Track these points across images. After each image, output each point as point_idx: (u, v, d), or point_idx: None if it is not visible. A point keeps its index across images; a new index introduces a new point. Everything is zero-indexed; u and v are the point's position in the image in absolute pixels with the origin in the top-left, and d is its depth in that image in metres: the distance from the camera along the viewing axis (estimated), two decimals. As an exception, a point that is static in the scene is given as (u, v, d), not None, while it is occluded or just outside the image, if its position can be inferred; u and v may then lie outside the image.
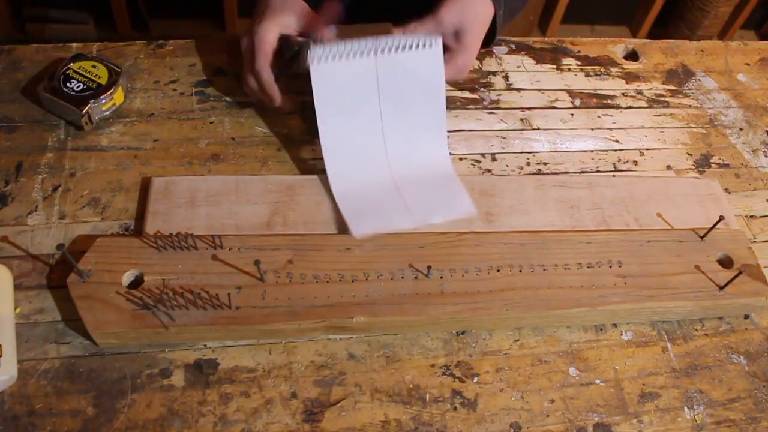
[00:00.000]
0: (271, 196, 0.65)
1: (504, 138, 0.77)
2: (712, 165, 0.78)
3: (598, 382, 0.59)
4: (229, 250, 0.59)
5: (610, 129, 0.80)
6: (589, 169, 0.75)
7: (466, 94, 0.81)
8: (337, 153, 0.66)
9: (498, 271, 0.61)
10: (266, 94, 0.68)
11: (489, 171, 0.73)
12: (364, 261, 0.60)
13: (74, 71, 0.69)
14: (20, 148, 0.67)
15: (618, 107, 0.82)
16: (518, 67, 0.85)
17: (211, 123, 0.73)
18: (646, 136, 0.80)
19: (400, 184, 0.66)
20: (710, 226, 0.66)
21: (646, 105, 0.84)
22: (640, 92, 0.85)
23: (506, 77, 0.84)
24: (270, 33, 0.67)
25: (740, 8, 2.10)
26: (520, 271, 0.61)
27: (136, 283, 0.57)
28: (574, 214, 0.68)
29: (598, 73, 0.86)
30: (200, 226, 0.62)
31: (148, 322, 0.54)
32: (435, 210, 0.65)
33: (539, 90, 0.83)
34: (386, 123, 0.67)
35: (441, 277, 0.59)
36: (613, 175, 0.74)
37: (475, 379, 0.58)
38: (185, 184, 0.65)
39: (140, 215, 0.63)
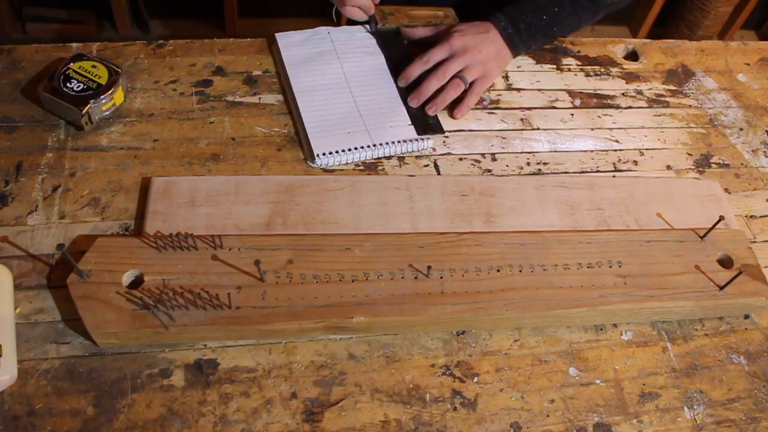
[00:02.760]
0: (271, 196, 0.65)
1: (504, 138, 0.77)
2: (712, 165, 0.78)
3: (598, 382, 0.59)
4: (229, 250, 0.59)
5: (610, 129, 0.80)
6: (589, 169, 0.75)
7: (466, 94, 0.81)
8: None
9: (498, 271, 0.61)
10: None
11: (489, 171, 0.73)
12: (364, 261, 0.60)
13: (74, 71, 0.69)
14: (20, 148, 0.67)
15: (618, 107, 0.82)
16: (518, 67, 0.85)
17: (211, 123, 0.73)
18: (646, 136, 0.80)
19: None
20: (710, 226, 0.66)
21: (646, 105, 0.84)
22: (640, 92, 0.85)
23: (506, 77, 0.84)
24: None
25: (740, 8, 2.10)
26: (520, 271, 0.61)
27: (136, 283, 0.57)
28: (574, 215, 0.68)
29: (598, 73, 0.86)
30: (200, 227, 0.62)
31: (148, 322, 0.54)
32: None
33: (539, 90, 0.83)
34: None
35: (441, 277, 0.59)
36: (613, 176, 0.74)
37: (475, 379, 0.58)
38: (185, 185, 0.65)
39: (140, 215, 0.63)
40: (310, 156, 0.70)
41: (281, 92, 0.77)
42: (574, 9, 0.81)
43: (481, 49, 0.78)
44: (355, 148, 0.71)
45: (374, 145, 0.72)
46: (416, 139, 0.73)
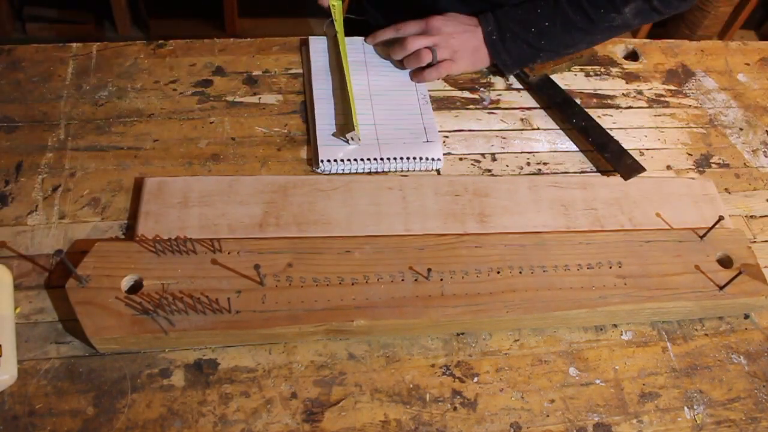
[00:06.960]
0: (264, 196, 0.65)
1: (504, 138, 0.77)
2: (712, 165, 0.78)
3: (598, 382, 0.59)
4: (229, 253, 0.59)
5: (611, 129, 0.80)
6: (588, 169, 0.75)
7: (466, 94, 0.81)
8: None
9: (498, 272, 0.61)
10: None
11: (489, 171, 0.73)
12: (364, 264, 0.60)
13: None
14: (20, 148, 0.67)
15: (618, 107, 0.82)
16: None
17: (211, 123, 0.73)
18: (646, 136, 0.80)
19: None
20: (705, 225, 0.66)
21: (646, 105, 0.84)
22: (640, 92, 0.85)
23: (506, 77, 0.84)
24: None
25: (740, 8, 2.10)
26: (520, 272, 0.61)
27: (135, 287, 0.56)
28: (568, 214, 0.68)
29: (598, 73, 0.86)
30: (193, 227, 0.62)
31: (147, 327, 0.53)
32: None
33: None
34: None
35: (441, 280, 0.59)
36: (608, 176, 0.74)
37: (475, 379, 0.58)
38: (178, 185, 0.65)
39: (133, 216, 0.63)
40: (315, 161, 0.70)
41: (281, 92, 0.77)
42: (566, 27, 0.78)
43: (456, 36, 0.78)
44: (362, 159, 0.70)
45: (381, 159, 0.70)
46: (425, 158, 0.71)
